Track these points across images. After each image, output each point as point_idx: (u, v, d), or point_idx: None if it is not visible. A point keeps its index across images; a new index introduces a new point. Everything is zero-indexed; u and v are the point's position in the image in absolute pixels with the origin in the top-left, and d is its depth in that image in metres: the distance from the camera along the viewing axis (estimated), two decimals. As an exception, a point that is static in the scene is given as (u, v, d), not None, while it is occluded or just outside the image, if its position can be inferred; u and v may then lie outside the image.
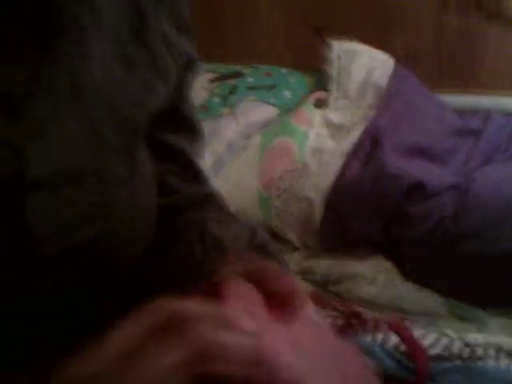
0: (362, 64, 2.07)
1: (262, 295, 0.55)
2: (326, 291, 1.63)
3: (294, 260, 1.72)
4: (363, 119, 1.95)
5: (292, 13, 2.43)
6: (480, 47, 2.30)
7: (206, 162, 1.82)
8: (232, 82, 2.12)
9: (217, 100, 2.03)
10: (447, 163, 1.82)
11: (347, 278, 1.64)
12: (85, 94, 0.57)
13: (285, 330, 0.53)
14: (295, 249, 1.79)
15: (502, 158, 1.85)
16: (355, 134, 1.89)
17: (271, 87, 2.11)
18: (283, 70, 2.23)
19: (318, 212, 1.77)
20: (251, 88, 2.09)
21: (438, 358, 1.40)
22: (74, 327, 0.60)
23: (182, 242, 0.74)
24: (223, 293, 0.53)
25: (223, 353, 0.42)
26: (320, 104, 2.06)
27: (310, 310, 0.59)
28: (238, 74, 2.16)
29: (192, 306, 0.45)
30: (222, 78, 2.15)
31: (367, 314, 1.54)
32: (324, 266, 1.70)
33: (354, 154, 1.84)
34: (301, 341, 0.52)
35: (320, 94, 2.10)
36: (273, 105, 2.05)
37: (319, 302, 1.49)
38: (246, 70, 2.19)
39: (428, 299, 1.60)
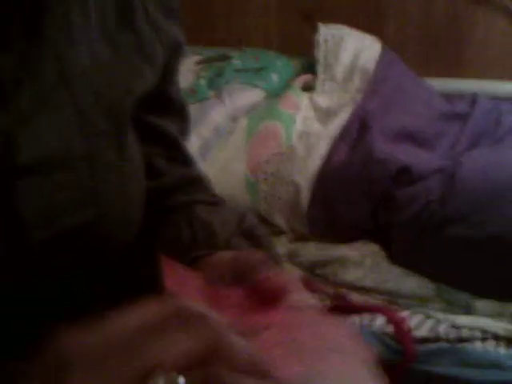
0: (349, 47, 2.06)
1: (247, 285, 0.55)
2: (312, 274, 1.63)
3: (281, 243, 1.72)
4: (350, 102, 1.94)
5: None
6: (468, 32, 2.30)
7: (192, 145, 1.81)
8: (219, 64, 2.11)
9: (203, 82, 2.02)
10: (434, 147, 1.82)
11: (334, 261, 1.65)
12: (72, 80, 0.57)
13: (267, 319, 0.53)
14: (282, 232, 1.79)
15: (489, 142, 1.85)
16: (342, 118, 1.89)
17: (258, 70, 2.11)
18: (270, 53, 2.22)
19: (304, 196, 1.77)
20: (238, 71, 2.09)
21: (424, 339, 1.41)
22: (67, 311, 0.61)
23: (171, 225, 0.74)
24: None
25: (232, 355, 0.42)
26: (307, 87, 2.06)
27: (301, 295, 0.59)
28: (225, 57, 2.16)
29: (197, 305, 0.45)
30: (208, 60, 2.15)
31: (354, 297, 1.55)
32: (311, 249, 1.70)
33: (341, 137, 1.84)
34: (288, 331, 0.52)
35: (307, 78, 2.10)
36: (260, 88, 2.05)
37: (307, 285, 1.50)
38: (233, 53, 2.18)
39: (415, 282, 1.61)
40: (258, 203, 1.79)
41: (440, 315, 1.48)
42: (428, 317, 1.48)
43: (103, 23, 0.63)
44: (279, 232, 1.79)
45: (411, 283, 1.60)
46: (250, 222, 0.74)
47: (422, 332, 1.43)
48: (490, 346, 1.42)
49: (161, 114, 0.77)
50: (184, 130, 0.83)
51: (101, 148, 0.60)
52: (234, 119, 1.94)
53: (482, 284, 1.58)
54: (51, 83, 0.56)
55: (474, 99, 1.99)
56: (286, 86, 2.08)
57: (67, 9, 0.58)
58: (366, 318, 1.46)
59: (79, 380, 0.38)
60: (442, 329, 1.44)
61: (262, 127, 1.89)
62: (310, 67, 2.12)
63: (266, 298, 0.54)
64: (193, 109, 1.91)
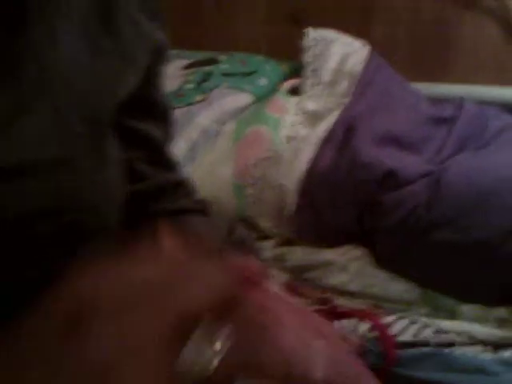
0: (337, 52, 2.06)
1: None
2: (298, 279, 1.63)
3: (267, 247, 1.72)
4: (338, 106, 1.94)
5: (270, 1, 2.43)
6: (455, 37, 2.31)
7: (180, 149, 1.81)
8: (207, 68, 2.11)
9: (191, 86, 2.02)
10: (421, 151, 1.82)
11: (320, 265, 1.65)
12: (52, 83, 0.57)
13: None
14: (269, 236, 1.79)
15: (475, 147, 1.85)
16: (330, 122, 1.89)
17: (246, 74, 2.11)
18: (258, 58, 2.22)
19: (291, 200, 1.77)
20: (226, 75, 2.09)
21: (409, 344, 1.41)
22: None
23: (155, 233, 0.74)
24: None
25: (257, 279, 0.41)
26: (295, 91, 2.06)
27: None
28: (212, 61, 2.15)
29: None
30: (196, 64, 2.14)
31: (339, 301, 1.55)
32: (297, 253, 1.70)
33: (327, 141, 1.84)
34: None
35: (295, 81, 2.10)
36: (248, 92, 2.05)
37: (293, 290, 1.50)
38: (220, 57, 2.18)
39: (401, 287, 1.61)
40: (245, 207, 1.79)
41: (425, 320, 1.48)
42: (413, 321, 1.48)
43: (85, 26, 0.62)
44: (266, 236, 1.79)
45: (397, 288, 1.61)
46: (239, 234, 0.74)
47: (407, 337, 1.43)
48: (475, 350, 1.42)
49: (144, 117, 0.77)
50: (168, 134, 0.83)
51: (80, 152, 0.59)
52: (222, 123, 1.94)
53: (467, 289, 1.59)
54: (30, 86, 0.55)
55: (460, 104, 1.99)
56: (274, 90, 2.08)
57: (49, 11, 0.58)
58: (351, 322, 1.46)
59: (108, 326, 0.37)
60: (427, 333, 1.44)
61: (249, 131, 1.89)
62: (299, 71, 2.12)
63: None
64: (180, 112, 1.91)
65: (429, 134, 1.88)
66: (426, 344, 1.41)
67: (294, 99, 2.01)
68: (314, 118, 1.94)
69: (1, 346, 0.40)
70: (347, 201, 1.73)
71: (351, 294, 1.58)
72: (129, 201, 0.70)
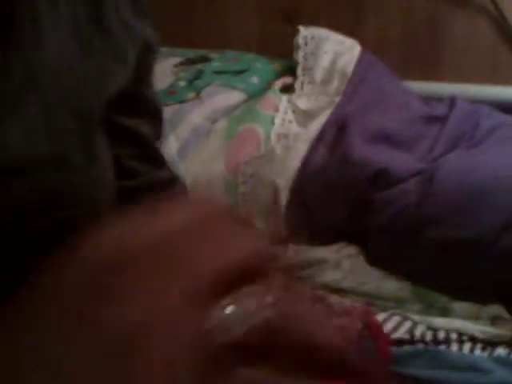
0: (329, 50, 2.06)
1: None
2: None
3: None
4: (330, 105, 1.95)
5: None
6: (448, 35, 2.31)
7: (171, 146, 1.81)
8: (198, 66, 2.11)
9: (183, 84, 2.02)
10: (412, 150, 1.82)
11: (312, 263, 1.65)
12: (41, 82, 0.57)
13: None
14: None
15: (467, 145, 1.85)
16: (321, 120, 1.89)
17: (238, 72, 2.11)
18: (250, 56, 2.22)
19: (283, 198, 1.77)
20: (218, 73, 2.09)
21: (401, 341, 1.42)
22: None
23: None
24: None
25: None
26: (287, 89, 2.06)
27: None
28: (204, 59, 2.15)
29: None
30: (188, 62, 2.14)
31: (332, 298, 1.55)
32: (289, 251, 1.70)
33: (319, 139, 1.84)
34: None
35: (287, 80, 2.10)
36: (240, 90, 2.05)
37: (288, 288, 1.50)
38: (212, 55, 2.18)
39: (393, 284, 1.61)
40: (237, 205, 1.79)
41: (417, 317, 1.49)
42: (405, 319, 1.48)
43: (75, 24, 0.62)
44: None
45: (390, 285, 1.61)
46: None
47: (399, 334, 1.43)
48: (467, 348, 1.42)
49: (134, 114, 0.77)
50: (158, 131, 0.83)
51: (71, 149, 0.59)
52: (214, 121, 1.94)
53: (460, 286, 1.59)
54: (19, 84, 0.55)
55: (452, 102, 1.99)
56: (265, 88, 2.08)
57: (37, 9, 0.58)
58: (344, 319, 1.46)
59: (134, 285, 0.36)
60: (419, 331, 1.44)
61: (241, 129, 1.89)
62: (291, 69, 2.12)
63: None
64: (172, 110, 1.90)
65: (421, 133, 1.88)
66: (418, 341, 1.41)
67: (286, 97, 2.01)
68: (306, 116, 1.94)
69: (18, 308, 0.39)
70: (339, 199, 1.73)
71: (344, 292, 1.58)
72: (119, 198, 0.70)
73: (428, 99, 2.07)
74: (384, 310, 1.52)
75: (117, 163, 0.70)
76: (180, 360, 0.35)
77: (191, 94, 1.98)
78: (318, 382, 0.38)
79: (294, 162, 1.79)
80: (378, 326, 1.42)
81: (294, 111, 1.96)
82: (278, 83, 2.09)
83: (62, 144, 0.58)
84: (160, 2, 2.24)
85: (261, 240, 0.40)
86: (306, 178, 1.77)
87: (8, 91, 0.54)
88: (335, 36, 2.12)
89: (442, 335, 1.44)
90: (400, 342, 1.41)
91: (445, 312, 1.54)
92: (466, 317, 1.52)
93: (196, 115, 1.92)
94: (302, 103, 1.97)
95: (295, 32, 2.12)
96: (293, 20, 2.29)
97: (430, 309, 1.55)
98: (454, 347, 1.42)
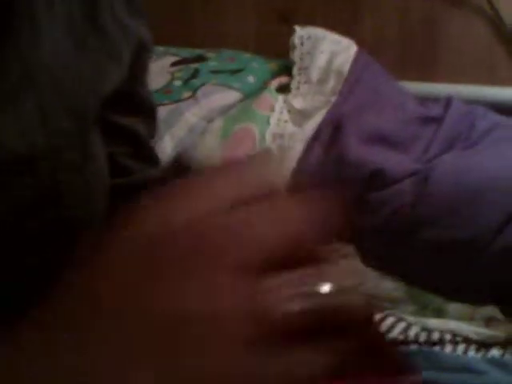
0: (325, 50, 2.06)
1: None
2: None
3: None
4: (325, 104, 1.94)
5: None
6: (444, 36, 2.31)
7: (167, 145, 1.81)
8: (194, 65, 2.10)
9: (179, 83, 2.01)
10: (408, 150, 1.82)
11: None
12: (37, 81, 0.57)
13: None
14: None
15: (463, 146, 1.85)
16: (317, 120, 1.89)
17: (234, 72, 2.11)
18: (247, 55, 2.22)
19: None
20: (214, 72, 2.08)
21: (395, 342, 1.41)
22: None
23: None
24: None
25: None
26: (283, 89, 2.06)
27: None
28: (201, 58, 2.15)
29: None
30: (184, 61, 2.14)
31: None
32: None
33: (315, 139, 1.84)
34: None
35: (283, 79, 2.10)
36: (236, 89, 2.04)
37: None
38: (209, 55, 2.18)
39: (388, 285, 1.61)
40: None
41: (411, 318, 1.48)
42: (400, 319, 1.48)
43: (70, 23, 0.62)
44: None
45: (385, 286, 1.61)
46: None
47: (393, 334, 1.43)
48: (461, 349, 1.42)
49: (129, 113, 0.77)
50: (153, 130, 0.83)
51: (63, 147, 0.59)
52: (210, 120, 1.94)
53: (455, 287, 1.59)
54: (15, 83, 0.55)
55: (448, 103, 1.99)
56: (262, 87, 2.08)
57: (34, 8, 0.58)
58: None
59: (186, 259, 0.36)
60: (413, 332, 1.44)
61: (236, 128, 1.89)
62: (287, 69, 2.12)
63: None
64: (168, 109, 1.90)
65: (416, 133, 1.88)
66: (412, 342, 1.41)
67: (282, 97, 2.00)
68: (301, 116, 1.94)
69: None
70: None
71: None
72: (112, 195, 0.70)
73: (424, 100, 2.07)
74: (378, 310, 1.52)
75: (111, 161, 0.70)
76: (236, 334, 0.35)
77: (187, 94, 1.98)
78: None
79: (290, 161, 1.79)
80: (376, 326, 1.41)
81: (289, 111, 1.96)
82: (274, 83, 2.08)
83: (58, 142, 0.59)
84: (157, 1, 2.24)
85: (313, 222, 0.39)
86: (301, 177, 1.77)
87: (5, 90, 0.54)
88: (331, 36, 2.12)
89: (436, 336, 1.43)
90: (394, 343, 1.41)
91: (439, 313, 1.54)
92: (460, 318, 1.52)
93: (192, 114, 1.92)
94: (298, 103, 1.97)
95: (291, 32, 2.12)
96: (289, 20, 2.29)
97: (424, 310, 1.55)
98: (448, 348, 1.42)
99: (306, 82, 2.03)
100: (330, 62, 2.05)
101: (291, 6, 2.36)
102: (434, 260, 1.60)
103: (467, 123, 1.92)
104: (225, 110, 1.98)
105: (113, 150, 0.73)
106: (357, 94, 1.98)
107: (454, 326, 1.47)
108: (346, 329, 0.38)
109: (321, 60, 2.05)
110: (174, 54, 2.18)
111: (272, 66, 2.19)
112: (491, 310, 1.54)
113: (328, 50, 2.07)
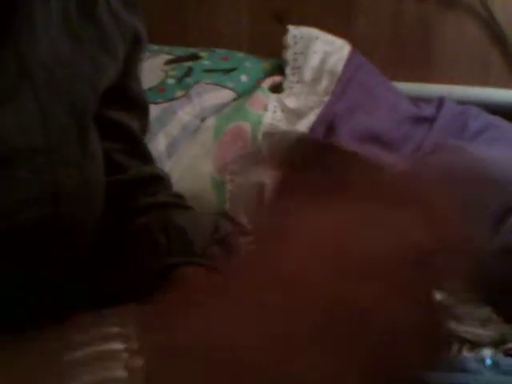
0: (318, 50, 2.06)
1: None
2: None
3: (246, 243, 1.72)
4: (318, 104, 1.94)
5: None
6: (438, 37, 2.31)
7: (160, 144, 1.81)
8: (188, 64, 2.10)
9: (172, 82, 2.01)
10: (400, 150, 1.82)
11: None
12: (35, 77, 0.57)
13: None
14: (247, 232, 1.79)
15: (455, 146, 1.86)
16: (310, 119, 1.89)
17: (228, 71, 2.10)
18: (240, 54, 2.22)
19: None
20: (207, 71, 2.08)
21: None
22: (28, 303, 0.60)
23: (142, 229, 0.74)
24: None
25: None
26: (276, 88, 2.06)
27: None
28: (194, 57, 2.15)
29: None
30: (178, 60, 2.14)
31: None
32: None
33: (308, 139, 1.83)
34: None
35: (276, 79, 2.10)
36: (229, 88, 2.04)
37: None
38: (202, 53, 2.17)
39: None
40: (225, 203, 1.79)
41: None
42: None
43: (65, 17, 0.62)
44: (246, 232, 1.78)
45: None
46: (224, 231, 0.74)
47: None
48: (454, 348, 1.42)
49: (123, 109, 0.77)
50: (145, 127, 0.83)
51: (63, 143, 0.60)
52: (203, 119, 1.94)
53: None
54: (13, 79, 0.55)
55: (440, 103, 1.99)
56: (255, 86, 2.08)
57: (31, 6, 0.58)
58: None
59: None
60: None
61: (229, 127, 1.89)
62: (280, 68, 2.12)
63: None
64: (161, 108, 1.90)
65: (408, 133, 1.88)
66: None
67: (275, 96, 2.00)
68: (294, 115, 1.94)
69: None
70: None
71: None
72: (107, 193, 0.69)
73: (417, 100, 2.07)
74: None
75: (105, 158, 0.70)
76: None
77: (180, 92, 1.98)
78: None
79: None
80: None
81: (282, 110, 1.96)
82: (268, 82, 2.08)
83: (57, 138, 0.59)
84: (152, 1, 2.24)
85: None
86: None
87: (3, 87, 0.54)
88: (325, 36, 2.12)
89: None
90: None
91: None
92: (454, 318, 1.51)
93: (185, 113, 1.92)
94: (291, 102, 1.97)
95: (285, 31, 2.12)
96: (283, 19, 2.29)
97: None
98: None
99: (299, 82, 2.03)
100: (323, 61, 2.05)
101: (285, 6, 2.36)
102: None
103: (459, 123, 1.92)
104: (218, 109, 1.97)
105: (107, 146, 0.72)
106: (350, 94, 1.98)
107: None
108: None
109: (314, 60, 2.05)
110: (167, 53, 2.18)
111: (265, 65, 2.19)
112: (485, 311, 1.54)
113: (321, 50, 2.07)
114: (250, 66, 2.16)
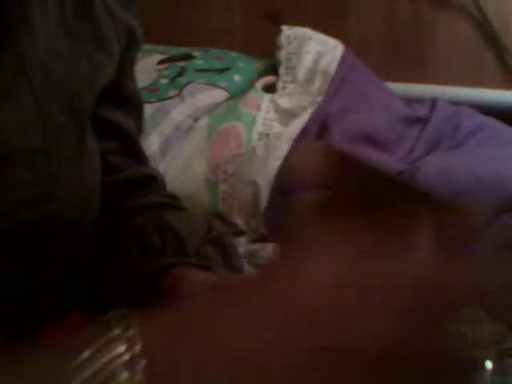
0: (312, 50, 2.07)
1: None
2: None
3: (240, 244, 1.72)
4: (312, 104, 1.95)
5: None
6: (430, 37, 2.31)
7: (153, 144, 1.80)
8: (181, 64, 2.10)
9: (165, 81, 2.01)
10: (393, 151, 1.82)
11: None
12: (33, 76, 0.57)
13: None
14: (242, 232, 1.79)
15: (448, 147, 1.86)
16: (303, 119, 1.89)
17: (221, 71, 2.10)
18: (233, 54, 2.22)
19: (264, 197, 1.76)
20: (200, 71, 2.08)
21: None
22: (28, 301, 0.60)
23: (136, 229, 0.74)
24: None
25: None
26: (269, 88, 2.06)
27: None
28: (187, 57, 2.15)
29: None
30: (171, 59, 2.13)
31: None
32: (269, 250, 1.70)
33: (301, 139, 1.83)
34: None
35: (269, 79, 2.10)
36: (222, 88, 2.04)
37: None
38: (195, 53, 2.17)
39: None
40: (218, 203, 1.79)
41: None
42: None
43: (62, 15, 0.62)
44: (239, 232, 1.78)
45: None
46: (217, 231, 0.74)
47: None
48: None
49: (118, 108, 0.77)
50: (140, 126, 0.83)
51: (61, 142, 0.60)
52: (196, 119, 1.94)
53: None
54: (12, 79, 0.55)
55: (433, 103, 2.00)
56: (248, 86, 2.08)
57: (29, 5, 0.58)
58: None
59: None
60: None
61: (223, 127, 1.89)
62: (273, 69, 2.12)
63: None
64: (154, 107, 1.90)
65: (402, 134, 1.88)
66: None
67: (268, 96, 2.00)
68: (287, 115, 1.94)
69: None
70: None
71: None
72: (102, 192, 0.69)
73: (410, 101, 2.07)
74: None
75: (100, 158, 0.70)
76: None
77: (173, 92, 1.97)
78: None
79: (275, 161, 1.79)
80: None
81: (275, 110, 1.96)
82: (261, 82, 2.09)
83: (56, 138, 0.59)
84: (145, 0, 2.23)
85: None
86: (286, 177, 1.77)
87: (2, 85, 0.54)
88: (318, 36, 2.12)
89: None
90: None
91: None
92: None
93: (178, 113, 1.91)
94: (284, 102, 1.97)
95: (278, 31, 2.12)
96: (277, 20, 2.29)
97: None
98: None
99: (292, 82, 2.03)
100: (316, 62, 2.05)
101: (278, 6, 2.36)
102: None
103: (453, 124, 1.93)
104: (211, 109, 1.97)
105: (103, 146, 0.72)
106: (343, 94, 1.98)
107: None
108: None
109: (307, 60, 2.06)
110: (160, 52, 2.17)
111: (258, 65, 2.19)
112: (477, 311, 1.54)
113: (314, 51, 2.07)
114: (243, 66, 2.16)
